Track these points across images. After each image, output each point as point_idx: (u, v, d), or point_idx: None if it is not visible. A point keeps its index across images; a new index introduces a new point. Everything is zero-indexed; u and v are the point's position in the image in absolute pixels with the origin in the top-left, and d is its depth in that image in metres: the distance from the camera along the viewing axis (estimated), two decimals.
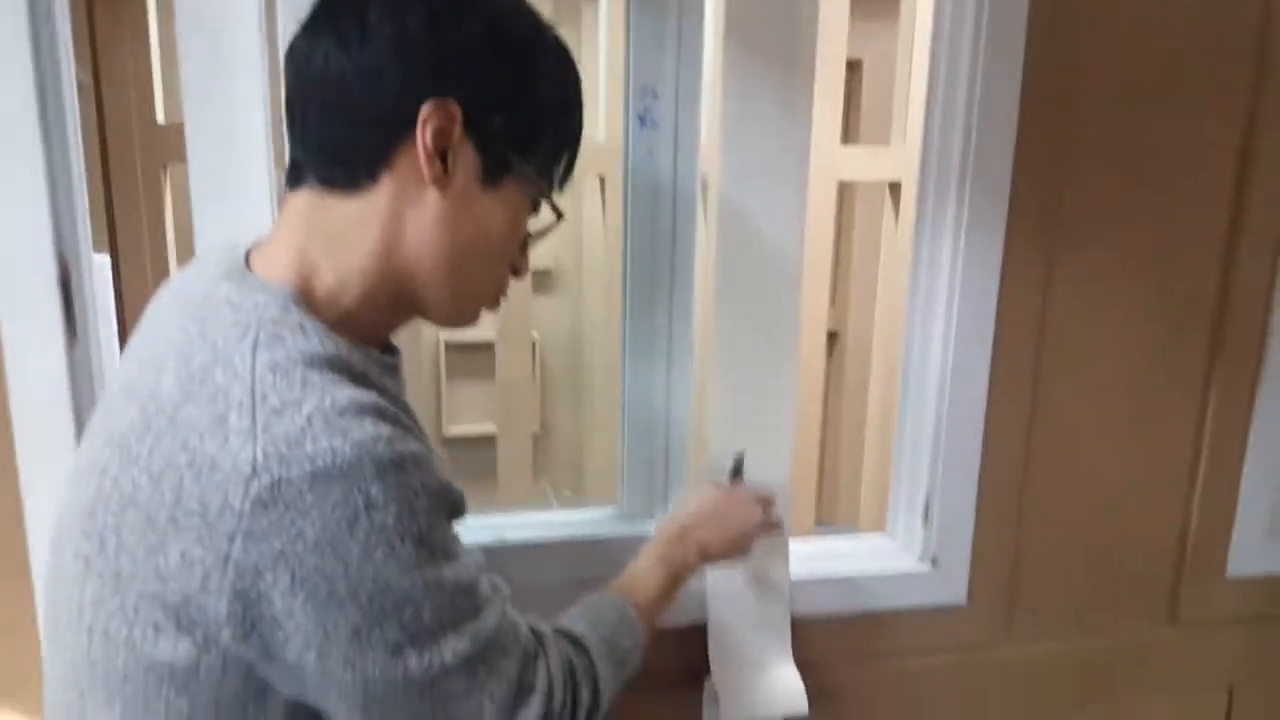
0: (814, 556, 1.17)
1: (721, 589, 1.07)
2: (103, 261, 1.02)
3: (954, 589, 1.17)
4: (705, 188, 1.68)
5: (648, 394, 1.11)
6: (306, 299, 0.63)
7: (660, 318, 1.09)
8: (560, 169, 0.72)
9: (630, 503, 1.14)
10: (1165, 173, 1.13)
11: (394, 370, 0.71)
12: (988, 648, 1.20)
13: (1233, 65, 1.12)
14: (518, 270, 0.74)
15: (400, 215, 0.64)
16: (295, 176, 0.67)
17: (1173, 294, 1.18)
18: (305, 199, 0.66)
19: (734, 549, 0.96)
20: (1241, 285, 1.19)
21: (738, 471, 1.04)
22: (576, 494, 1.92)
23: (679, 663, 1.09)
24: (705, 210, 1.81)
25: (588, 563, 1.07)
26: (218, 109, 0.91)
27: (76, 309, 0.93)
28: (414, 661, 0.58)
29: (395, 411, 0.60)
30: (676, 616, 1.08)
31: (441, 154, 0.63)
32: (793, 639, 1.10)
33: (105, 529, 0.58)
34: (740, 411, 1.07)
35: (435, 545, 0.59)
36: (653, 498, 1.14)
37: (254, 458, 0.54)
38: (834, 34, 2.11)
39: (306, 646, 0.56)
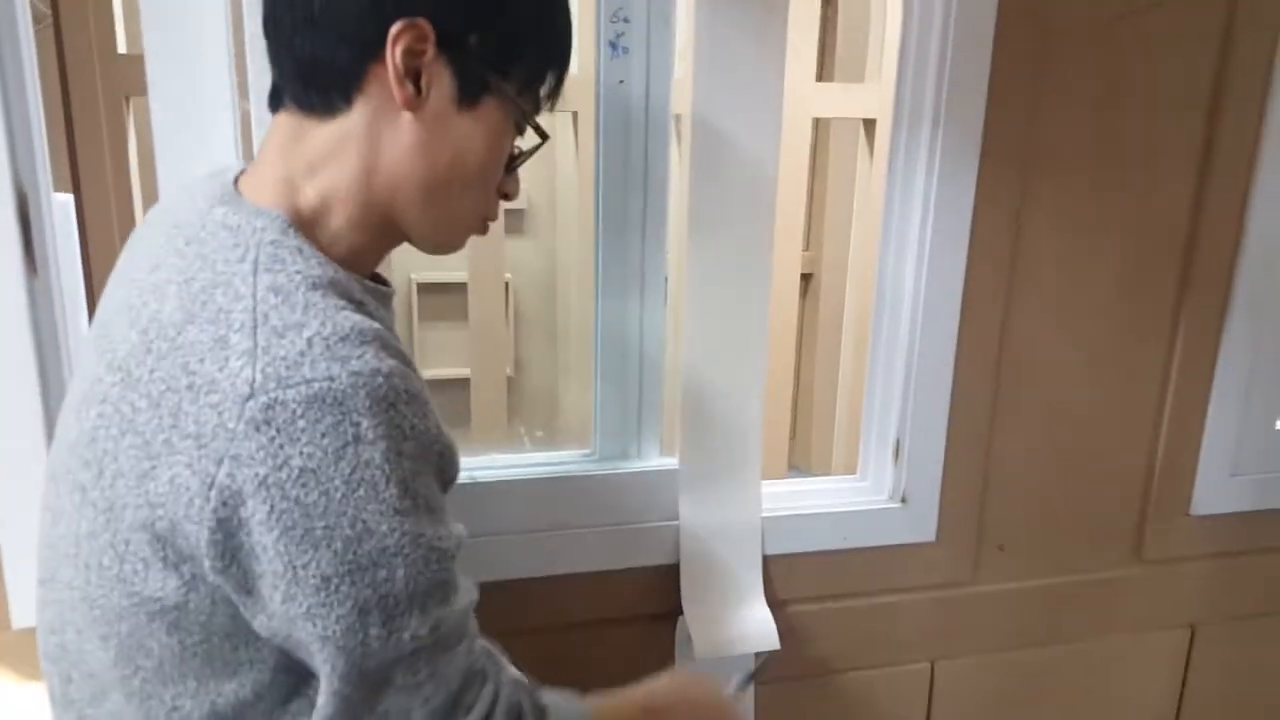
0: (785, 496, 1.17)
1: (694, 530, 1.07)
2: (65, 200, 1.00)
3: (923, 527, 1.18)
4: (678, 124, 1.65)
5: (621, 334, 1.10)
6: (298, 223, 0.62)
7: (633, 255, 1.07)
8: (546, 88, 0.69)
9: (603, 445, 1.13)
10: (1138, 107, 1.13)
11: (387, 300, 0.69)
12: (957, 585, 1.22)
13: None
14: (506, 194, 0.72)
15: (376, 139, 0.63)
16: (276, 99, 0.66)
17: (1143, 231, 1.17)
18: (285, 122, 0.64)
19: None
20: (1211, 222, 1.19)
21: (748, 681, 0.92)
22: (550, 435, 1.91)
23: (653, 603, 1.09)
24: (679, 147, 1.78)
25: (559, 502, 1.06)
26: (178, 36, 0.87)
27: (36, 242, 0.91)
28: (375, 630, 0.56)
29: (397, 344, 0.59)
30: (650, 557, 1.09)
31: (414, 75, 0.61)
32: (764, 578, 1.11)
33: (104, 455, 0.57)
34: (712, 350, 1.06)
35: (419, 494, 0.57)
36: (625, 439, 1.13)
37: (252, 378, 0.52)
38: None
39: (274, 586, 0.54)
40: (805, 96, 2.08)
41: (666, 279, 1.11)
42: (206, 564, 0.54)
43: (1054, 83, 1.08)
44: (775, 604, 1.10)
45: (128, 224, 1.60)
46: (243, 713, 0.60)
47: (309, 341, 0.54)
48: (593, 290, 1.09)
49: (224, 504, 0.53)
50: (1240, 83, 1.14)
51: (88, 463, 0.58)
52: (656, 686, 0.85)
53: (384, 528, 0.55)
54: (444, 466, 0.61)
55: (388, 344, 0.57)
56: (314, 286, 0.57)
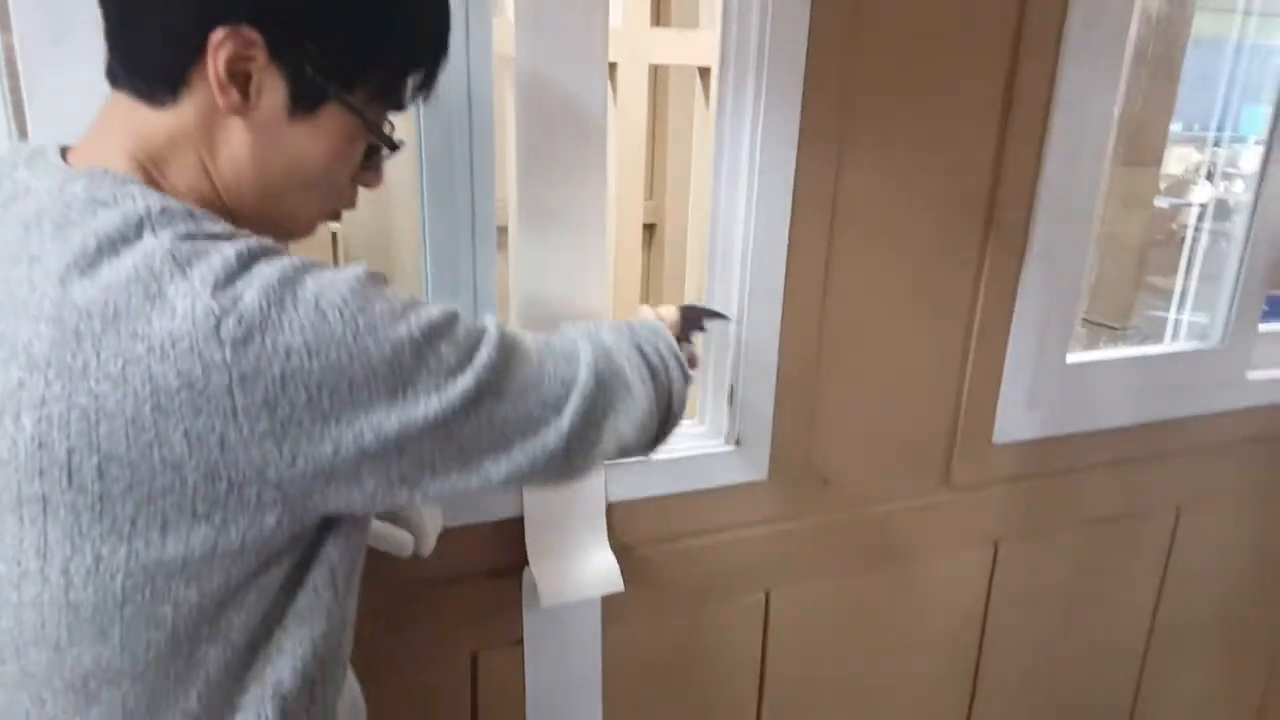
0: None
1: None
2: None
3: (757, 466, 1.24)
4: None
5: (454, 286, 1.08)
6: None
7: (462, 204, 1.05)
8: (409, 89, 0.67)
9: None
10: (947, 61, 1.19)
11: None
12: (788, 519, 1.29)
13: None
14: (365, 184, 0.71)
15: (210, 138, 0.62)
16: (113, 75, 0.63)
17: (951, 179, 1.25)
18: (123, 104, 0.62)
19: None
20: (1011, 171, 1.27)
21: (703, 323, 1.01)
22: None
23: (498, 557, 1.10)
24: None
25: None
26: None
27: None
28: (466, 378, 0.60)
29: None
30: (493, 512, 1.10)
31: (244, 80, 0.59)
32: (608, 524, 1.14)
33: (73, 454, 0.54)
34: (550, 301, 1.06)
35: (395, 299, 0.60)
36: None
37: (208, 307, 0.53)
38: None
39: (360, 436, 0.57)
40: (641, 42, 2.09)
41: (503, 229, 1.11)
42: (272, 473, 0.56)
43: (869, 32, 1.13)
44: (619, 549, 1.14)
45: None
46: (253, 634, 0.63)
47: (236, 255, 0.55)
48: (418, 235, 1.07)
49: (258, 420, 0.54)
50: (1035, 41, 1.23)
51: (41, 471, 0.55)
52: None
53: (403, 332, 0.58)
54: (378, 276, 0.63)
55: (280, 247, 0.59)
56: (213, 236, 0.57)
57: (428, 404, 0.59)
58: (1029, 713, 1.64)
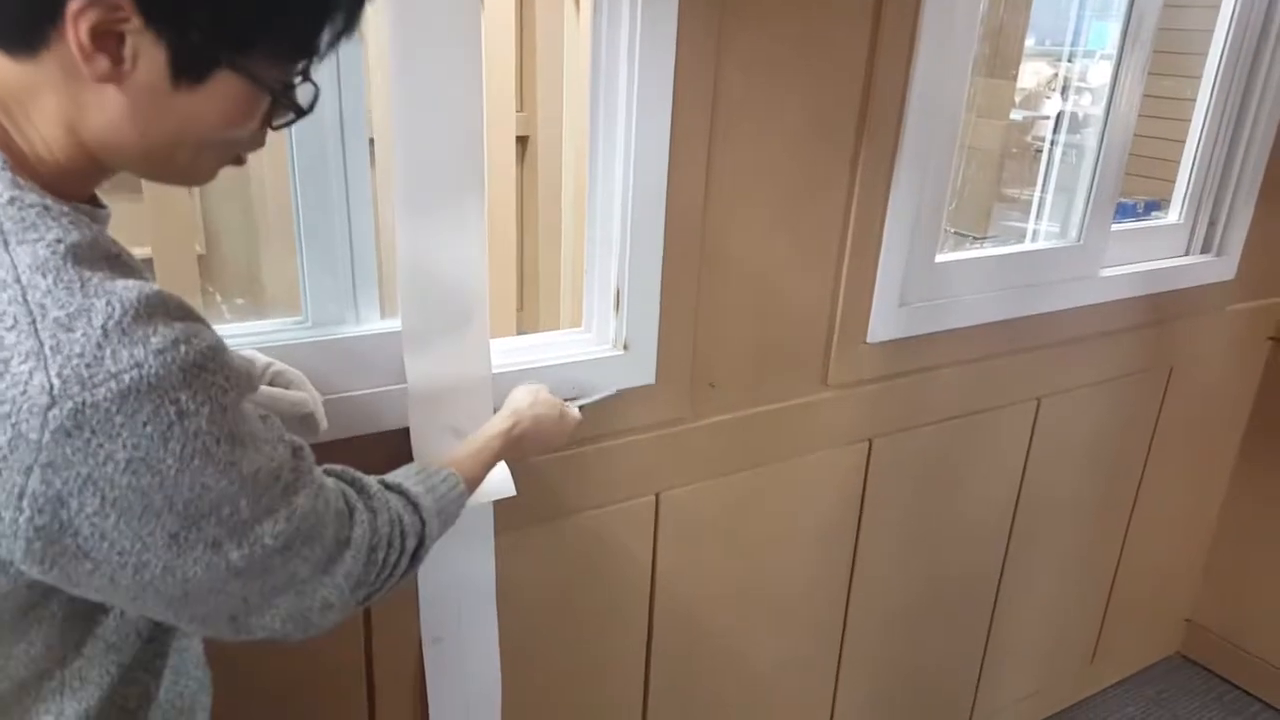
0: (514, 350, 1.18)
1: (423, 391, 1.06)
2: None
3: (644, 370, 1.25)
4: None
5: (324, 195, 1.03)
6: (15, 164, 0.54)
7: (328, 109, 0.99)
8: (326, 37, 0.58)
9: (315, 312, 1.07)
10: None
11: (105, 223, 0.61)
12: (676, 422, 1.30)
13: None
14: (278, 128, 0.63)
15: (77, 99, 0.54)
16: None
17: (825, 83, 1.26)
18: None
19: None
20: (882, 75, 1.30)
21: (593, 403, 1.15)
22: (255, 305, 1.79)
23: (384, 467, 1.07)
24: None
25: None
26: None
27: None
28: (235, 553, 0.57)
29: (178, 297, 0.54)
30: (380, 423, 1.07)
31: (114, 45, 0.52)
32: None
33: None
34: (427, 204, 1.01)
35: (243, 436, 0.56)
36: (341, 305, 1.08)
37: (49, 384, 0.47)
38: None
39: (121, 566, 0.52)
40: None
41: (372, 140, 1.05)
42: (24, 568, 0.52)
43: None
44: None
45: None
46: (37, 668, 0.59)
47: (104, 330, 0.49)
48: (286, 150, 1.01)
49: (40, 511, 0.49)
50: None
51: None
52: (513, 412, 1.00)
53: (223, 482, 0.54)
54: (248, 386, 0.58)
55: (170, 305, 0.53)
56: (78, 258, 0.51)
57: (198, 556, 0.55)
58: (902, 591, 1.75)
